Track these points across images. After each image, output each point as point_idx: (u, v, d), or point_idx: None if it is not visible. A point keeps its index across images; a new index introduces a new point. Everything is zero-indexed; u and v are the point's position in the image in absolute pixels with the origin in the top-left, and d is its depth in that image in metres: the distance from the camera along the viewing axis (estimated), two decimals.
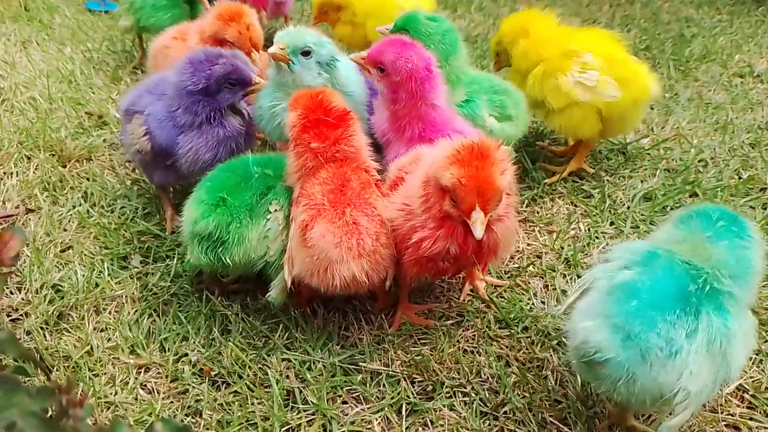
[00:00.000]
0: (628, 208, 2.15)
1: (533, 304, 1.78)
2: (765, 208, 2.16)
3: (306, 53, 1.85)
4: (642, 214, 2.12)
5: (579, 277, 1.86)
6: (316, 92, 1.63)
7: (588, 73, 2.12)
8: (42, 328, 1.69)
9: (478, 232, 1.30)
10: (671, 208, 2.15)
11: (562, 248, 1.98)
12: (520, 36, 2.25)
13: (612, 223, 2.08)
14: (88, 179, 2.27)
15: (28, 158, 2.37)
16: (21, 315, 1.72)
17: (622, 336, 1.17)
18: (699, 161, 2.42)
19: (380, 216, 1.52)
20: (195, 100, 1.82)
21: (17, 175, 2.28)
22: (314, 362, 1.60)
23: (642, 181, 2.30)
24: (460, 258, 1.43)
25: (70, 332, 1.69)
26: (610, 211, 2.14)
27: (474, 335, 1.69)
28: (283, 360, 1.61)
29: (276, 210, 1.63)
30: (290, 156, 1.62)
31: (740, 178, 2.33)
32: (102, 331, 1.70)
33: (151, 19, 2.80)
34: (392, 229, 1.51)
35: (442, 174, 1.32)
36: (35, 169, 2.32)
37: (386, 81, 1.77)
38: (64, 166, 2.33)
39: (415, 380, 1.57)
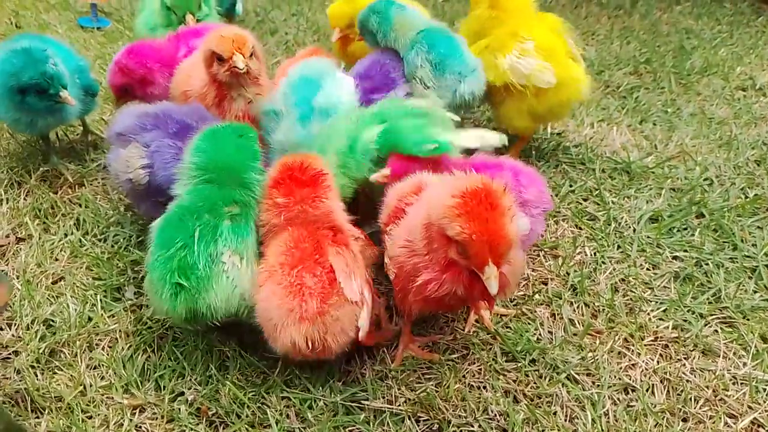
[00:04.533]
0: (634, 230, 2.10)
1: (540, 334, 1.73)
2: None
3: None
4: (648, 237, 2.07)
5: (586, 305, 1.82)
6: (300, 155, 1.64)
7: (525, 60, 2.24)
8: (33, 366, 1.63)
9: (494, 288, 1.25)
10: (678, 230, 2.11)
11: (568, 274, 1.93)
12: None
13: (618, 247, 2.04)
14: (80, 205, 2.21)
15: (19, 184, 2.31)
16: (11, 353, 1.66)
17: None
18: (704, 180, 2.38)
19: (332, 276, 1.46)
20: None
21: (7, 202, 2.22)
22: (315, 400, 1.55)
23: (647, 202, 2.25)
24: (467, 299, 1.38)
25: (62, 370, 1.63)
26: (615, 234, 2.09)
27: (480, 369, 1.63)
28: (282, 398, 1.55)
29: (229, 256, 1.54)
30: (260, 210, 1.61)
31: (746, 197, 2.29)
32: (95, 368, 1.64)
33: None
34: (396, 265, 1.46)
35: (449, 226, 1.26)
36: (26, 195, 2.27)
37: None
38: (56, 193, 2.27)
39: (420, 419, 1.51)
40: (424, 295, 1.38)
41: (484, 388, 1.59)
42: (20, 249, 2.02)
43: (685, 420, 1.53)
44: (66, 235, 2.07)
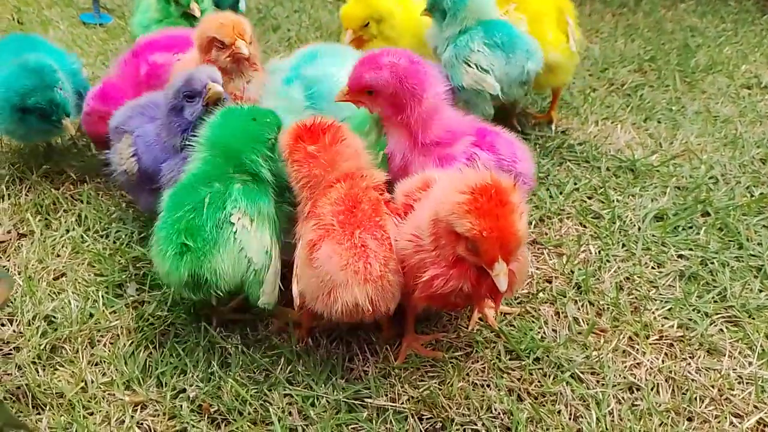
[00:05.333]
0: (639, 229, 2.09)
1: (544, 333, 1.72)
2: None
3: None
4: (653, 235, 2.06)
5: (591, 303, 1.81)
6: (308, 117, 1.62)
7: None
8: (34, 362, 1.62)
9: (503, 284, 1.25)
10: (683, 229, 2.10)
11: (573, 272, 1.91)
12: None
13: (623, 246, 2.02)
14: (82, 201, 2.20)
15: (21, 180, 2.31)
16: (12, 349, 1.66)
17: None
18: (709, 178, 2.36)
19: (390, 240, 1.47)
20: (172, 120, 1.78)
21: (9, 198, 2.22)
22: (318, 398, 1.54)
23: (652, 200, 2.24)
24: (473, 295, 1.37)
25: (63, 367, 1.62)
26: (620, 233, 2.07)
27: (484, 367, 1.62)
28: (285, 395, 1.54)
29: (239, 218, 1.52)
30: (290, 171, 1.57)
31: (752, 195, 2.27)
32: (96, 365, 1.63)
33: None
34: (401, 260, 1.45)
35: (458, 222, 1.25)
36: (27, 191, 2.26)
37: (381, 100, 1.69)
38: (58, 189, 2.26)
39: (424, 417, 1.50)
40: (430, 291, 1.37)
41: (488, 386, 1.58)
42: (22, 245, 2.01)
43: (690, 419, 1.51)
44: (67, 231, 2.06)
